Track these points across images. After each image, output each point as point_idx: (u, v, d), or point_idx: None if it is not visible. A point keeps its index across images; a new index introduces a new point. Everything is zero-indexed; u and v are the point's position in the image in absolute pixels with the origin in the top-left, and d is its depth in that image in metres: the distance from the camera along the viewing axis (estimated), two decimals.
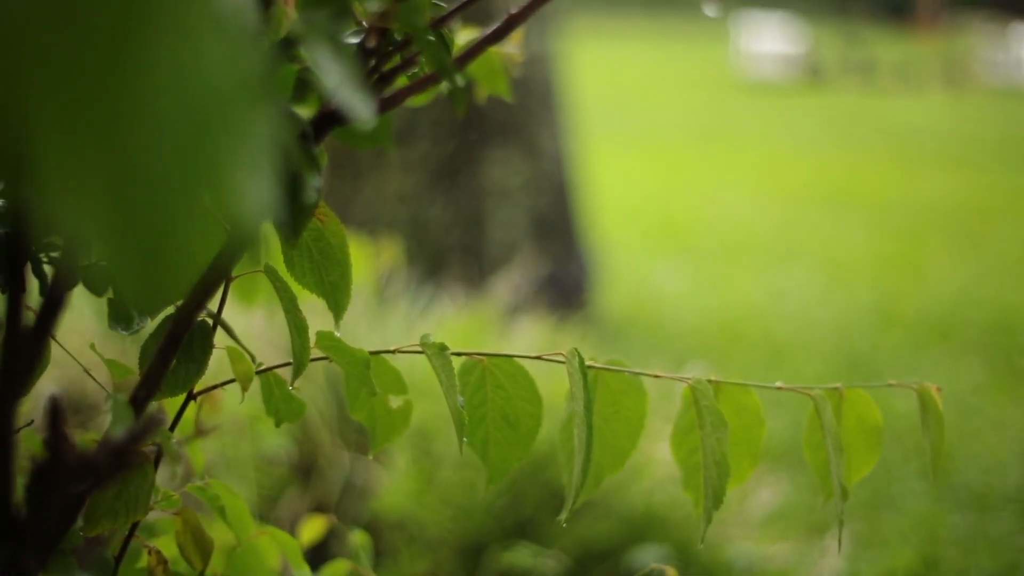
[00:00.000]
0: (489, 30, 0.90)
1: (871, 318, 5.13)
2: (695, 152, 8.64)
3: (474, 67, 1.21)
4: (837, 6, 23.83)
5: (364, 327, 2.73)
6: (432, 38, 0.80)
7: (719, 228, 6.57)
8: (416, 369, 1.64)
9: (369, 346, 1.02)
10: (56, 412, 0.72)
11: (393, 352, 1.05)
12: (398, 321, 2.82)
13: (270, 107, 0.47)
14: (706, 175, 7.99)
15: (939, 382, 3.37)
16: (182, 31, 0.41)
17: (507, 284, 3.66)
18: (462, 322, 2.95)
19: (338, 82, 0.71)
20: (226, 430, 2.50)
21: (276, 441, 2.59)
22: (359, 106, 0.71)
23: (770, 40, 14.16)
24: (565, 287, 4.36)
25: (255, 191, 0.42)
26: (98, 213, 0.38)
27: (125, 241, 0.39)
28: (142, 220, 0.39)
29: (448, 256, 4.20)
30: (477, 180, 4.28)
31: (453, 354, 1.00)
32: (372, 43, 0.83)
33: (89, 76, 0.36)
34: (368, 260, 2.73)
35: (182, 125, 0.40)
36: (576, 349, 0.99)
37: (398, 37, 0.84)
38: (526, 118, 4.30)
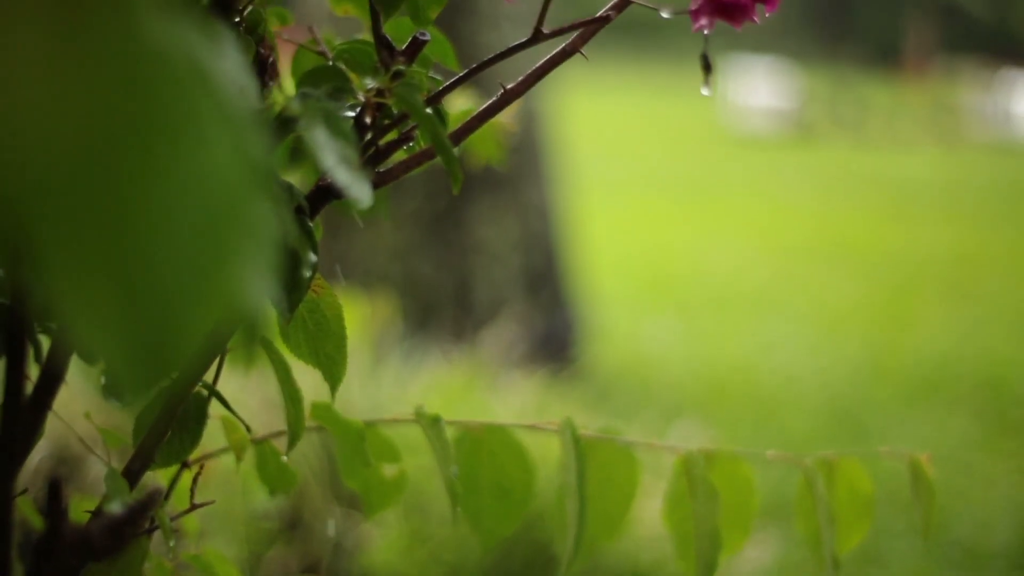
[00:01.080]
0: (485, 105, 0.90)
1: (861, 371, 5.14)
2: (686, 205, 8.67)
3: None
4: (827, 49, 23.96)
5: (357, 385, 2.73)
6: (429, 113, 0.81)
7: (709, 281, 6.58)
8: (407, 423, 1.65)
9: (362, 406, 1.03)
10: (56, 490, 0.72)
11: (388, 421, 1.06)
12: (391, 378, 2.83)
13: (274, 197, 0.48)
14: (697, 228, 8.02)
15: (929, 437, 3.38)
16: (193, 130, 0.42)
17: (498, 339, 3.67)
18: (454, 378, 2.95)
19: (335, 164, 0.71)
20: (215, 484, 2.50)
21: (266, 496, 2.59)
22: (356, 189, 0.72)
23: (760, 93, 14.21)
24: (555, 342, 4.37)
25: (258, 282, 0.42)
26: (100, 306, 0.38)
27: (126, 337, 0.39)
28: (145, 317, 0.39)
29: (440, 311, 4.21)
30: (468, 236, 4.30)
31: (448, 423, 1.01)
32: (369, 118, 0.84)
33: (98, 178, 0.37)
34: (362, 318, 2.74)
35: (190, 224, 0.40)
36: (569, 419, 1.00)
37: (395, 111, 0.85)
38: (516, 174, 4.32)
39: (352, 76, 0.94)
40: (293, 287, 0.83)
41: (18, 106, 0.35)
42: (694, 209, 8.59)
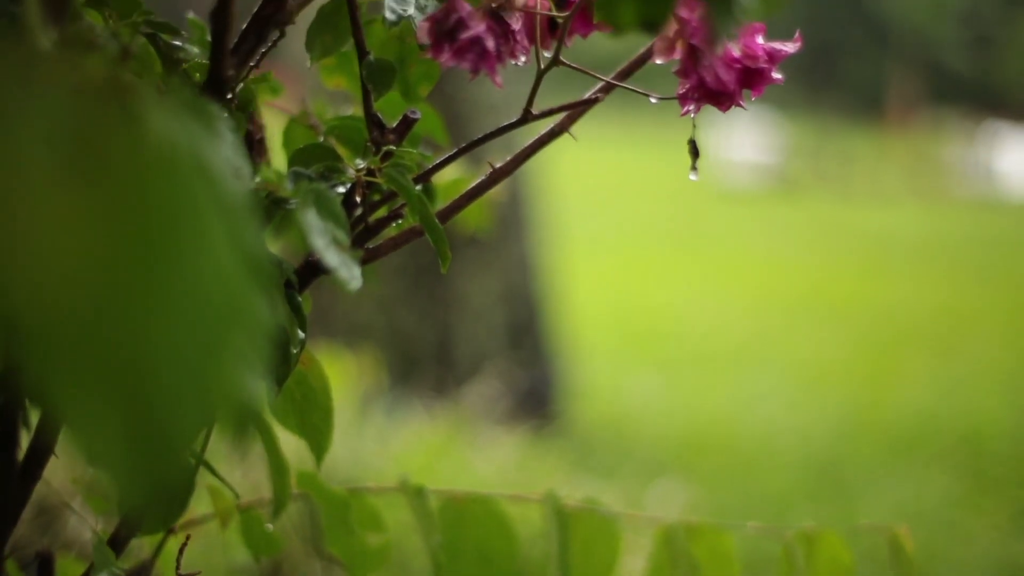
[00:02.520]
0: (473, 184, 0.92)
1: (842, 427, 5.15)
2: (669, 258, 8.69)
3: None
4: (812, 99, 24.07)
5: (340, 439, 2.73)
6: (418, 194, 0.82)
7: (691, 334, 6.60)
8: (388, 477, 1.65)
9: (345, 461, 1.03)
10: (47, 563, 0.73)
11: (373, 489, 1.07)
12: (374, 432, 2.83)
13: (270, 290, 0.49)
14: (680, 282, 8.04)
15: (909, 494, 3.38)
16: (195, 233, 0.43)
17: (480, 394, 3.68)
18: (436, 434, 2.96)
19: (325, 246, 0.73)
20: (195, 537, 2.50)
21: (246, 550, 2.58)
22: (345, 272, 0.73)
23: (744, 147, 14.27)
24: (537, 397, 4.38)
25: (254, 377, 0.44)
26: (99, 420, 0.39)
27: (125, 450, 0.40)
28: (144, 429, 0.40)
29: (423, 364, 4.22)
30: (451, 290, 4.31)
31: (431, 491, 1.02)
32: (359, 196, 0.86)
33: (104, 302, 0.38)
34: (346, 374, 2.75)
35: (190, 331, 0.41)
36: (552, 492, 1.01)
37: (385, 187, 0.86)
38: (500, 229, 4.33)
39: (344, 152, 0.96)
40: (281, 363, 0.84)
41: (27, 229, 0.36)
42: (677, 263, 8.61)
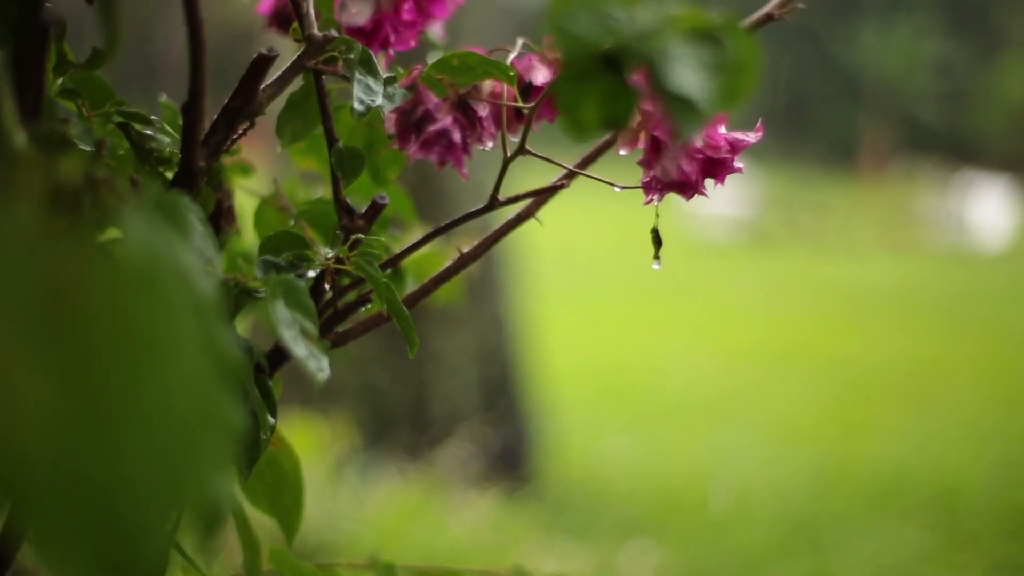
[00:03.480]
0: (441, 269, 0.93)
1: (816, 482, 5.16)
2: (643, 313, 8.70)
3: (430, 270, 1.24)
4: (786, 149, 24.17)
5: (313, 501, 2.73)
6: (385, 282, 0.83)
7: (665, 389, 6.61)
8: (362, 541, 1.66)
9: (319, 528, 1.04)
10: None
11: (344, 565, 1.07)
12: (347, 494, 2.83)
13: (239, 388, 0.50)
14: (655, 336, 8.05)
15: (883, 549, 3.39)
16: (169, 343, 0.44)
17: (454, 455, 3.68)
18: (409, 495, 2.96)
19: (292, 338, 0.74)
20: None
21: None
22: (312, 363, 0.74)
23: (717, 200, 14.32)
24: (510, 456, 4.38)
25: (226, 477, 0.45)
26: (72, 542, 0.40)
27: (90, 564, 0.41)
28: (116, 545, 0.41)
29: (398, 423, 4.22)
30: (426, 349, 4.32)
31: (401, 567, 1.03)
32: (328, 283, 0.87)
33: (81, 441, 0.39)
34: (319, 440, 2.75)
35: (164, 443, 0.42)
36: (520, 566, 1.02)
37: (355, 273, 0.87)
38: (473, 286, 4.34)
39: (315, 235, 0.97)
40: (252, 446, 0.85)
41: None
42: (651, 317, 8.62)
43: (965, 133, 24.52)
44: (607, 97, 0.62)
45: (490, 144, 0.88)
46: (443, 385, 4.33)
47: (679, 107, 0.57)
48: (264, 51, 0.81)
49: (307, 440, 2.51)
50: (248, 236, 1.11)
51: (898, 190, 16.96)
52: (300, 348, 0.74)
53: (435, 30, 1.03)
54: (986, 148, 23.22)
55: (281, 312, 0.75)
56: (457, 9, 0.95)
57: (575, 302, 8.73)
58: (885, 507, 4.92)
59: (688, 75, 0.57)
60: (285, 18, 0.97)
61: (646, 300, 9.06)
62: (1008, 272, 11.50)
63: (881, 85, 24.85)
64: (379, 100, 0.84)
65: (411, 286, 1.16)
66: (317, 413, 3.45)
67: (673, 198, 0.84)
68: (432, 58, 1.13)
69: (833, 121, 25.98)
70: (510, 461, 4.34)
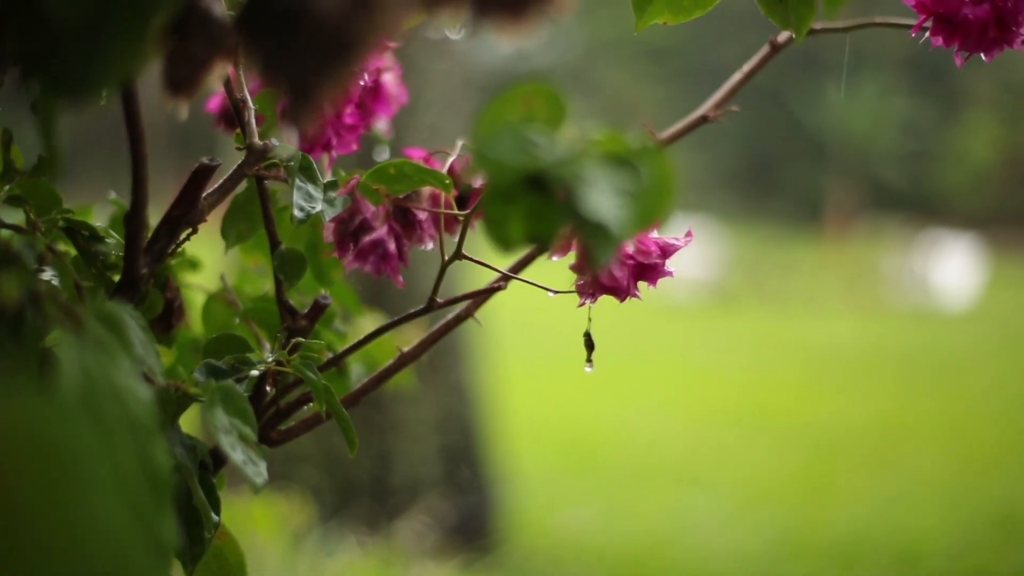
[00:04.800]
0: (382, 369, 0.95)
1: (779, 546, 5.16)
2: (607, 374, 8.70)
3: (380, 358, 1.25)
4: (753, 207, 24.26)
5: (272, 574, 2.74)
6: (324, 385, 0.85)
7: (629, 452, 6.61)
8: None
9: None
10: None
11: None
12: (307, 570, 2.83)
13: (174, 505, 0.53)
14: (619, 397, 8.06)
15: None
16: (98, 475, 0.47)
17: (415, 523, 3.68)
18: (368, 567, 2.96)
19: (231, 444, 0.76)
20: None
21: None
22: (251, 470, 0.76)
23: (683, 261, 14.36)
24: (474, 525, 4.38)
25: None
26: None
27: None
28: None
29: (357, 490, 4.22)
30: (388, 417, 4.32)
31: None
32: (269, 385, 0.89)
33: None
34: (278, 517, 2.75)
35: (97, 563, 0.44)
36: None
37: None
38: (435, 353, 4.35)
39: (261, 331, 0.99)
40: (196, 542, 0.86)
41: None
42: (615, 378, 8.63)
43: (930, 192, 24.67)
44: (532, 215, 0.63)
45: (430, 245, 0.90)
46: (405, 454, 4.33)
47: (593, 233, 0.59)
48: (206, 160, 0.83)
49: (266, 513, 2.52)
50: (197, 328, 1.12)
51: (863, 249, 17.04)
52: (238, 454, 0.76)
53: (381, 125, 1.05)
54: (951, 207, 23.35)
55: (219, 418, 0.77)
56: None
57: (540, 366, 8.74)
58: (848, 570, 4.93)
59: (602, 201, 0.59)
60: (232, 118, 0.99)
61: (610, 363, 9.06)
62: (972, 332, 11.55)
63: (846, 144, 25.00)
64: (319, 206, 0.86)
65: (359, 374, 1.18)
66: (278, 483, 3.44)
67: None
68: (378, 153, 1.15)
69: (799, 180, 26.10)
70: (471, 531, 4.34)
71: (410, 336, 1.25)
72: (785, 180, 26.66)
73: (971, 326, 12.10)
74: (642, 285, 0.84)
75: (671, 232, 0.86)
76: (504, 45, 0.59)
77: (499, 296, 0.92)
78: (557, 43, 23.53)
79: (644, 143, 0.62)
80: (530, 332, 9.70)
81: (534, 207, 0.62)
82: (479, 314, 0.95)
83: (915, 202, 23.20)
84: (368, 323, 1.25)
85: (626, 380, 8.65)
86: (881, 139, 24.88)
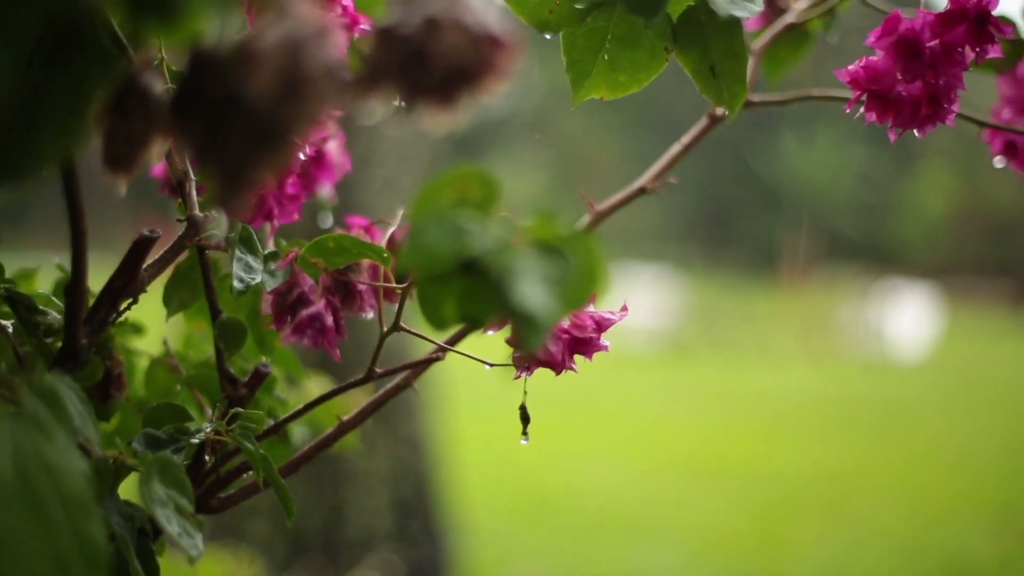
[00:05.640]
0: (320, 438, 0.95)
1: None
2: (561, 425, 8.71)
3: (325, 420, 1.26)
4: (711, 255, 24.37)
5: None
6: (262, 455, 0.86)
7: (582, 504, 6.60)
8: None
9: None
10: None
11: None
12: None
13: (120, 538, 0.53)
14: (573, 448, 8.06)
15: None
16: (31, 552, 0.47)
17: (367, 575, 3.66)
18: None
19: (166, 518, 0.76)
20: None
21: None
22: (186, 542, 0.76)
23: (638, 311, 14.39)
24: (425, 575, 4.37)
25: None
26: None
27: None
28: None
29: (308, 544, 4.20)
30: (339, 469, 4.30)
31: None
32: (208, 455, 0.89)
33: None
34: (227, 573, 2.74)
35: None
36: None
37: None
38: (388, 407, 4.34)
39: (203, 398, 0.99)
40: None
41: None
42: (569, 429, 8.63)
43: (886, 242, 24.83)
44: (465, 297, 0.64)
45: (371, 315, 0.91)
46: (356, 507, 4.31)
47: (523, 322, 0.60)
48: (146, 232, 0.83)
49: (213, 571, 2.51)
50: (143, 391, 1.13)
51: (819, 299, 17.11)
52: (173, 526, 0.77)
53: (325, 191, 1.06)
54: (907, 256, 23.52)
55: (156, 490, 0.77)
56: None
57: (493, 415, 8.73)
58: None
59: (530, 291, 0.60)
60: (175, 186, 1.00)
61: (563, 414, 9.07)
62: (926, 382, 11.61)
63: (803, 194, 25.17)
64: (258, 277, 0.86)
65: (304, 436, 1.18)
66: (227, 538, 3.43)
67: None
68: (322, 219, 1.16)
69: (756, 230, 26.25)
70: None
71: (358, 399, 1.26)
72: (743, 230, 26.81)
73: (925, 376, 12.16)
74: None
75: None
76: (436, 127, 0.60)
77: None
78: (515, 92, 23.62)
79: (572, 230, 0.63)
80: (483, 384, 9.71)
81: (467, 289, 0.63)
82: (427, 375, 0.96)
83: (871, 252, 23.36)
84: (314, 387, 1.26)
85: (579, 431, 8.66)
86: (837, 189, 25.06)
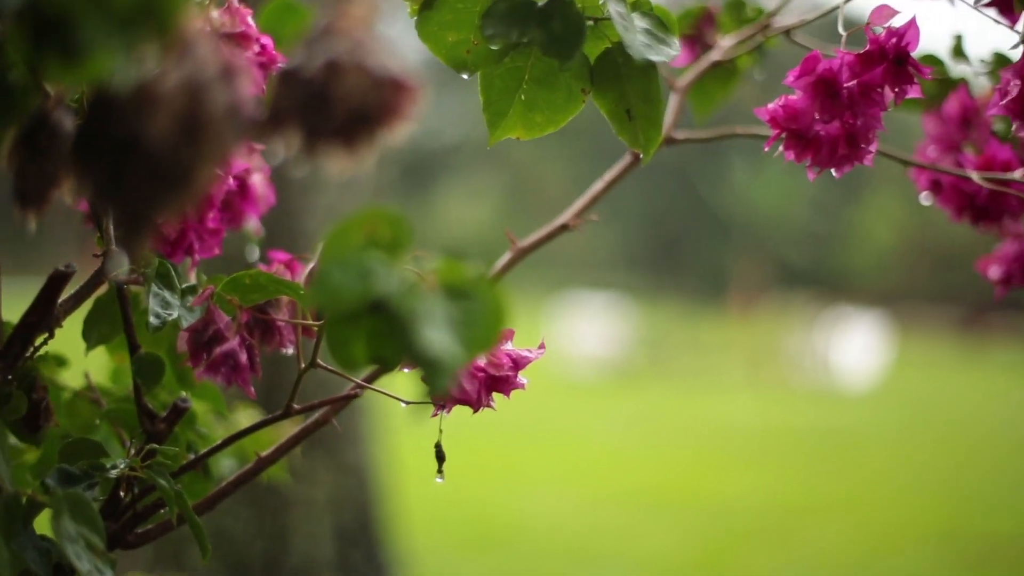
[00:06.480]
0: (242, 470, 0.95)
1: None
2: (509, 453, 8.71)
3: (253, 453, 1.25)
4: (661, 283, 24.45)
5: None
6: (177, 491, 0.85)
7: (528, 531, 6.59)
8: None
9: None
10: None
11: None
12: None
13: None
14: (520, 477, 8.05)
15: None
16: None
17: None
18: None
19: (76, 554, 0.76)
20: None
21: None
22: None
23: (587, 338, 14.41)
24: None
25: None
26: None
27: None
28: None
29: (250, 569, 4.18)
30: (280, 496, 4.28)
31: None
32: (123, 491, 0.89)
33: None
34: None
35: None
36: None
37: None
38: (331, 432, 4.33)
39: (125, 432, 0.99)
40: None
41: None
42: (516, 458, 8.63)
43: (835, 269, 24.96)
44: (374, 338, 0.64)
45: (291, 350, 0.91)
46: (298, 535, 4.30)
47: (428, 366, 0.60)
48: (61, 267, 0.83)
49: None
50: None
51: (767, 327, 17.17)
52: (84, 563, 0.76)
53: (252, 224, 1.06)
54: (856, 284, 23.63)
55: (66, 527, 0.77)
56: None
57: (443, 443, 8.70)
58: None
59: (435, 336, 0.60)
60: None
61: (510, 442, 9.07)
62: (873, 411, 11.67)
63: (752, 222, 25.29)
64: (175, 313, 0.86)
65: (231, 467, 1.18)
66: (166, 568, 3.41)
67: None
68: (249, 252, 1.15)
69: (705, 258, 26.35)
70: None
71: (288, 430, 1.26)
72: (693, 258, 26.91)
73: (873, 405, 12.23)
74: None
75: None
76: (335, 172, 0.60)
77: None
78: (465, 118, 23.64)
79: (479, 273, 0.63)
80: (426, 411, 9.67)
81: (376, 330, 0.63)
82: (370, 403, 0.96)
83: (821, 280, 23.47)
84: (243, 419, 1.26)
85: (526, 459, 8.66)
86: (787, 217, 25.20)
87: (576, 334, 14.50)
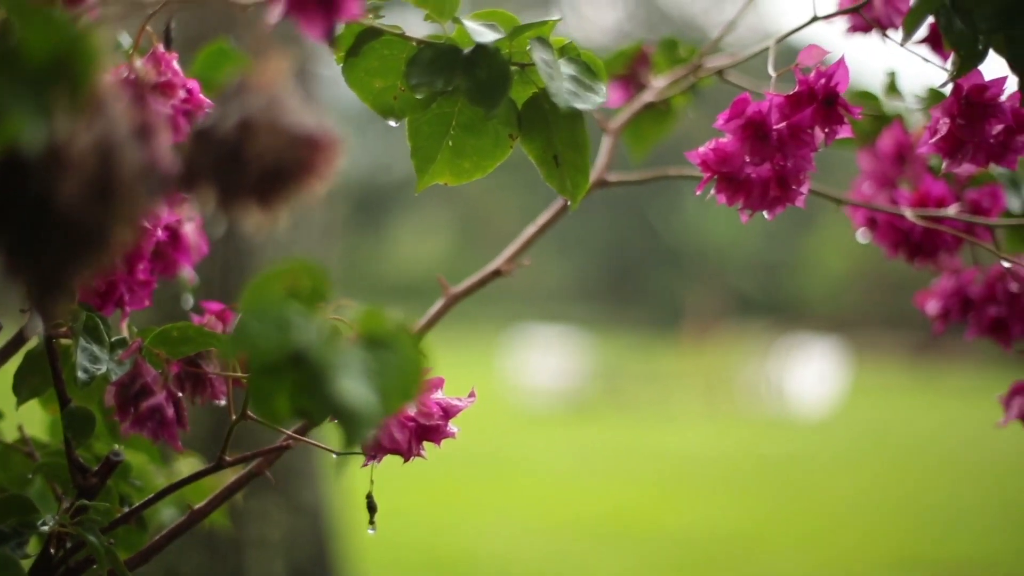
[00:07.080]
0: (185, 516, 0.95)
1: None
2: (464, 485, 8.70)
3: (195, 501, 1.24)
4: (617, 314, 24.48)
5: None
6: (107, 548, 0.85)
7: (482, 565, 6.57)
8: None
9: None
10: None
11: None
12: None
13: None
14: (475, 509, 8.04)
15: None
16: None
17: None
18: None
19: None
20: None
21: None
22: None
23: (541, 370, 14.41)
24: None
25: None
26: None
27: None
28: None
29: None
30: (235, 535, 4.26)
31: None
32: (54, 548, 0.88)
33: None
34: None
35: None
36: None
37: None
38: (284, 472, 4.32)
39: (59, 487, 0.98)
40: None
41: None
42: (471, 490, 8.62)
43: (789, 297, 25.06)
44: (297, 391, 0.63)
45: (223, 401, 0.90)
46: (253, 574, 4.27)
47: (343, 417, 0.60)
48: None
49: None
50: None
51: (722, 357, 17.20)
52: None
53: (186, 273, 1.05)
54: (810, 311, 23.73)
55: None
56: None
57: (392, 474, 8.68)
58: None
59: (352, 387, 0.60)
60: None
61: (465, 474, 9.06)
62: (829, 439, 11.70)
63: (705, 252, 25.38)
64: (104, 367, 0.86)
65: (172, 516, 1.17)
66: None
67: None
68: (184, 302, 1.15)
69: (659, 289, 26.41)
70: None
71: (228, 477, 1.25)
72: (646, 289, 26.96)
73: (829, 433, 12.27)
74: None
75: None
76: (253, 229, 0.60)
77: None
78: None
79: (400, 323, 0.62)
80: (357, 460, 9.65)
81: (298, 383, 0.62)
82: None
83: (775, 308, 23.55)
84: (185, 468, 1.25)
85: (481, 491, 8.65)
86: (739, 246, 25.30)
87: (531, 367, 14.48)
